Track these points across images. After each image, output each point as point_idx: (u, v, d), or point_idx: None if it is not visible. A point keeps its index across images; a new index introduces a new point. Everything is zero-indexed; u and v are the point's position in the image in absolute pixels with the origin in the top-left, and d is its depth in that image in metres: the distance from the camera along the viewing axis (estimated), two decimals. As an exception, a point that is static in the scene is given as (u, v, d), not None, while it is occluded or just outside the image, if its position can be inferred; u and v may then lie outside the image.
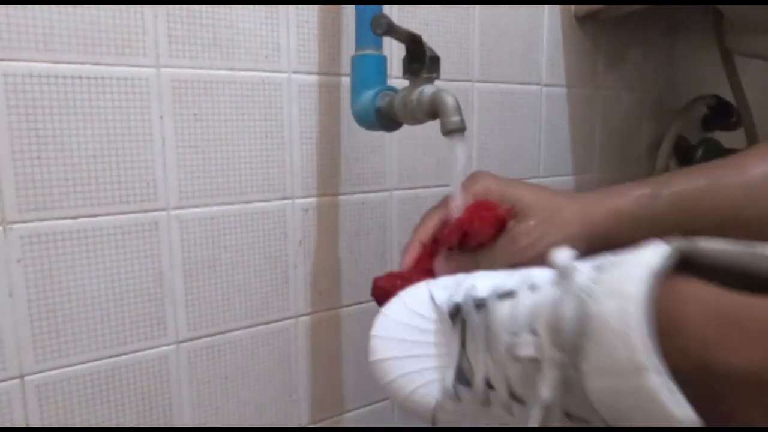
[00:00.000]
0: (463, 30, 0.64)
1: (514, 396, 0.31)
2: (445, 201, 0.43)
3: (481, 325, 0.32)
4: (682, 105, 0.85)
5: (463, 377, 0.32)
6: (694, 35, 0.87)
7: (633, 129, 0.85)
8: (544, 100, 0.73)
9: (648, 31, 0.83)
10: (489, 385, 0.31)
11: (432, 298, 0.35)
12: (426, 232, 0.43)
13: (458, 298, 0.34)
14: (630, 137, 0.84)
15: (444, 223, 0.42)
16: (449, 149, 0.41)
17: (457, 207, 0.41)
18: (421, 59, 0.44)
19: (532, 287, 0.30)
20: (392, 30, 0.41)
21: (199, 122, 0.49)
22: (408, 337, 0.35)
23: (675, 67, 0.88)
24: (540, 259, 0.32)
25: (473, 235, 0.41)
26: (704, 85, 0.86)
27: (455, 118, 0.41)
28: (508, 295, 0.31)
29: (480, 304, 0.32)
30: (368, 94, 0.48)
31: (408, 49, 0.44)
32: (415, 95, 0.44)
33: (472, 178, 0.43)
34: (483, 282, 0.34)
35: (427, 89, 0.43)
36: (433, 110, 0.42)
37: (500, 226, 0.41)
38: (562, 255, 0.28)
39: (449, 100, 0.41)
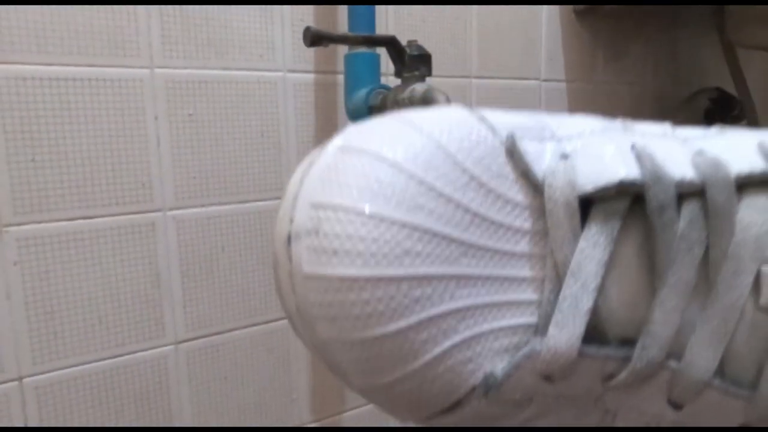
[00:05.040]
0: (461, 26, 0.63)
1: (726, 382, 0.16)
2: None
3: (697, 231, 0.16)
4: (684, 98, 0.85)
5: (597, 323, 0.16)
6: (696, 27, 0.87)
7: (634, 123, 0.84)
8: (543, 96, 0.72)
9: (648, 24, 0.83)
10: (672, 355, 0.16)
11: (513, 147, 0.17)
12: None
13: (622, 167, 0.17)
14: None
15: None
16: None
17: None
18: (400, 59, 0.44)
19: None
20: (323, 39, 0.41)
21: (194, 122, 0.49)
22: (441, 215, 0.16)
23: (676, 60, 0.87)
24: None
25: None
26: (706, 78, 0.85)
27: None
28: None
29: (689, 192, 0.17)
30: (361, 93, 0.48)
31: (388, 51, 0.44)
32: (406, 94, 0.44)
33: None
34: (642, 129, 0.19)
35: (419, 87, 0.43)
36: None
37: None
38: None
39: (440, 99, 0.41)
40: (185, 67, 0.48)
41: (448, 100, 0.41)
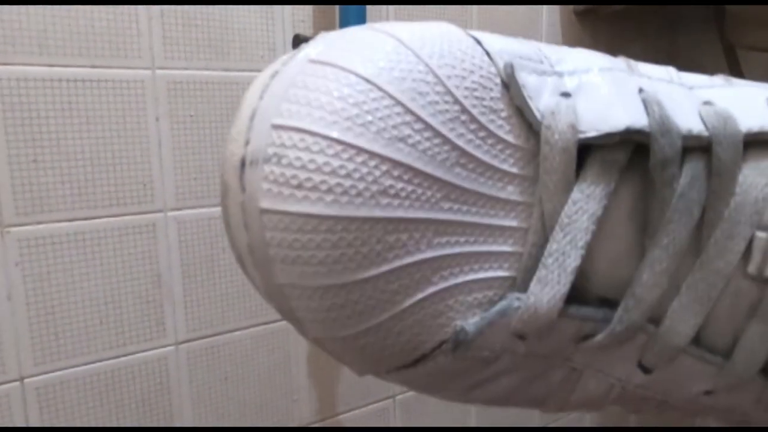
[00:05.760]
0: (461, 27, 0.63)
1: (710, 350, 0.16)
2: None
3: (701, 186, 0.15)
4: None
5: (579, 282, 0.15)
6: (695, 29, 0.87)
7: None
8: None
9: (648, 25, 0.83)
10: (650, 321, 0.16)
11: (512, 78, 0.15)
12: None
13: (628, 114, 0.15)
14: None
15: None
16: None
17: None
18: None
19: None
20: None
21: (195, 123, 0.49)
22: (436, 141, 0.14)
23: (676, 61, 0.87)
24: None
25: None
26: (706, 79, 0.85)
27: None
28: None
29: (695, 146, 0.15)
30: None
31: None
32: None
33: None
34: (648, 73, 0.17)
35: None
36: None
37: None
38: None
39: None
40: (186, 69, 0.48)
41: None
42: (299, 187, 0.13)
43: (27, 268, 0.43)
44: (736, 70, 0.79)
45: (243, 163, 0.14)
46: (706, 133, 0.15)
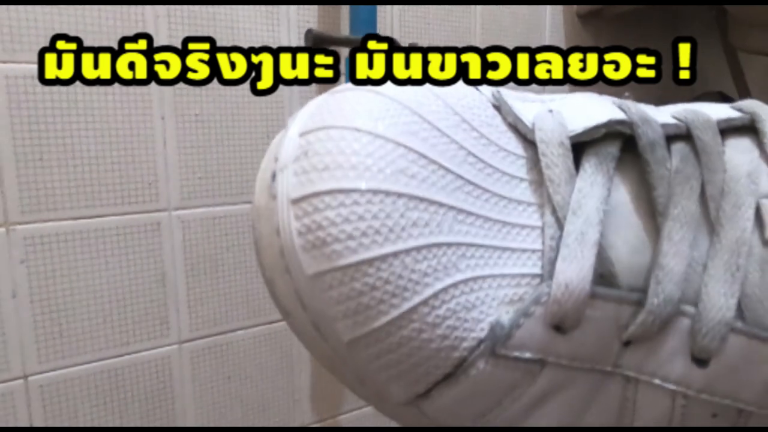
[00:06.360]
0: (465, 29, 0.63)
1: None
2: None
3: (695, 163, 0.16)
4: (686, 102, 0.85)
5: (605, 268, 0.15)
6: (697, 32, 0.87)
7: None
8: (547, 99, 0.72)
9: (651, 28, 0.83)
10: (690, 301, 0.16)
11: (500, 101, 0.17)
12: None
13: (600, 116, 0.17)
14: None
15: None
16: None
17: None
18: None
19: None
20: (324, 42, 0.42)
21: (200, 123, 0.49)
22: (443, 147, 0.15)
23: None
24: None
25: None
26: (708, 82, 0.86)
27: None
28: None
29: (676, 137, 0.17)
30: None
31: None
32: None
33: None
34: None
35: None
36: None
37: None
38: None
39: None
40: (192, 68, 0.48)
41: None
42: (325, 168, 0.14)
43: (32, 266, 0.44)
44: (737, 73, 0.79)
45: (273, 175, 0.15)
46: (682, 123, 0.17)
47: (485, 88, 0.18)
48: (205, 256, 0.51)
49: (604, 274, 0.15)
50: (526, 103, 0.18)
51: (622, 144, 0.17)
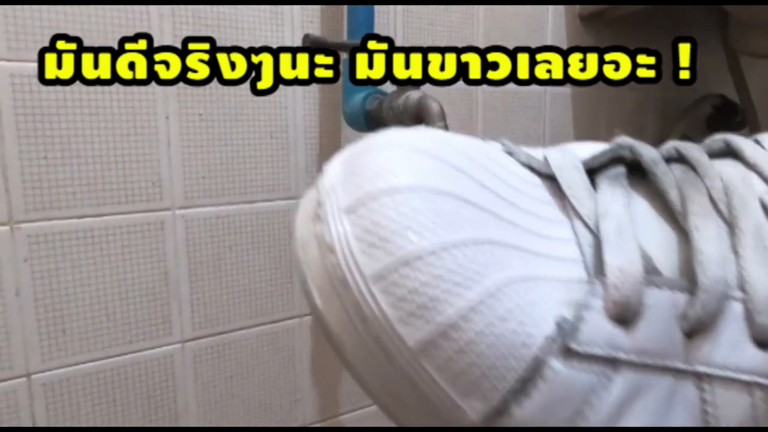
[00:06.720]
0: (468, 30, 0.64)
1: None
2: None
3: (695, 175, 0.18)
4: (687, 105, 0.85)
5: (648, 262, 0.16)
6: (699, 35, 0.87)
7: (637, 129, 0.85)
8: (548, 101, 0.73)
9: (652, 30, 0.83)
10: (742, 288, 0.16)
11: (510, 147, 0.19)
12: None
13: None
14: (634, 137, 0.84)
15: None
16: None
17: None
18: None
19: None
20: (321, 46, 0.42)
21: (204, 122, 0.49)
22: (475, 173, 0.17)
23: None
24: None
25: None
26: (709, 85, 0.86)
27: (439, 124, 0.41)
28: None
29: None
30: (358, 97, 0.49)
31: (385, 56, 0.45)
32: (401, 100, 0.44)
33: None
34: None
35: (413, 95, 0.43)
36: (419, 115, 0.43)
37: None
38: None
39: (433, 107, 0.42)
40: (196, 68, 0.48)
41: (440, 108, 0.42)
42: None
43: (36, 264, 0.44)
44: (738, 76, 0.79)
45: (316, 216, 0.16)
46: (673, 149, 0.19)
47: (491, 142, 0.19)
48: (208, 256, 0.51)
49: (648, 268, 0.16)
50: (531, 150, 0.19)
51: (626, 170, 0.18)
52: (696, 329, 0.16)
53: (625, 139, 0.19)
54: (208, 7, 0.48)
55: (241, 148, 0.51)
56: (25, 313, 0.44)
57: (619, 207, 0.16)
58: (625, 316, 0.15)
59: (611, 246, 0.16)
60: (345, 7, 0.55)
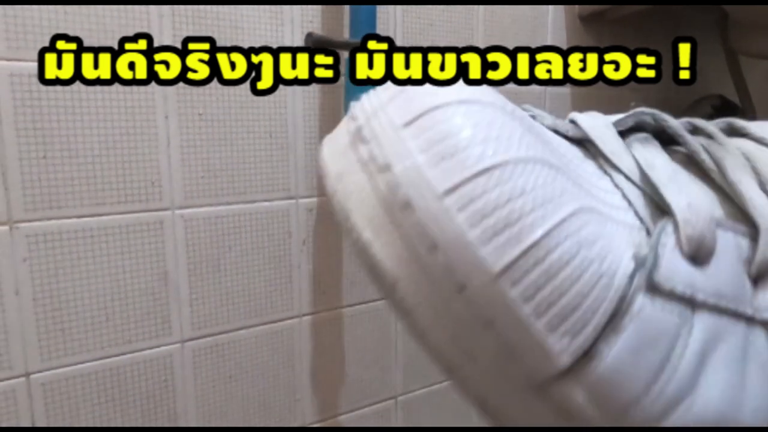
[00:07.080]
0: (468, 30, 0.64)
1: None
2: None
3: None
4: (687, 105, 0.85)
5: None
6: (699, 35, 0.87)
7: (637, 129, 0.85)
8: (548, 100, 0.73)
9: (652, 31, 0.83)
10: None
11: (533, 113, 0.19)
12: None
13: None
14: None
15: None
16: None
17: None
18: None
19: None
20: (324, 45, 0.42)
21: (203, 122, 0.49)
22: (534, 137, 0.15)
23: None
24: None
25: None
26: (709, 86, 0.86)
27: None
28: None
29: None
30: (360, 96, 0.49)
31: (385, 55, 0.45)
32: None
33: None
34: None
35: None
36: None
37: None
38: None
39: None
40: (196, 67, 0.48)
41: None
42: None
43: (35, 264, 0.44)
44: (738, 77, 0.79)
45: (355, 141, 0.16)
46: (688, 124, 0.19)
47: (549, 120, 0.19)
48: (207, 255, 0.51)
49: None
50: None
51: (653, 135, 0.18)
52: (761, 274, 0.15)
53: (644, 108, 0.18)
54: (208, 7, 0.48)
55: (240, 147, 0.51)
56: (24, 312, 0.44)
57: (662, 160, 0.16)
58: (699, 253, 0.14)
59: (668, 189, 0.15)
60: (345, 7, 0.55)
